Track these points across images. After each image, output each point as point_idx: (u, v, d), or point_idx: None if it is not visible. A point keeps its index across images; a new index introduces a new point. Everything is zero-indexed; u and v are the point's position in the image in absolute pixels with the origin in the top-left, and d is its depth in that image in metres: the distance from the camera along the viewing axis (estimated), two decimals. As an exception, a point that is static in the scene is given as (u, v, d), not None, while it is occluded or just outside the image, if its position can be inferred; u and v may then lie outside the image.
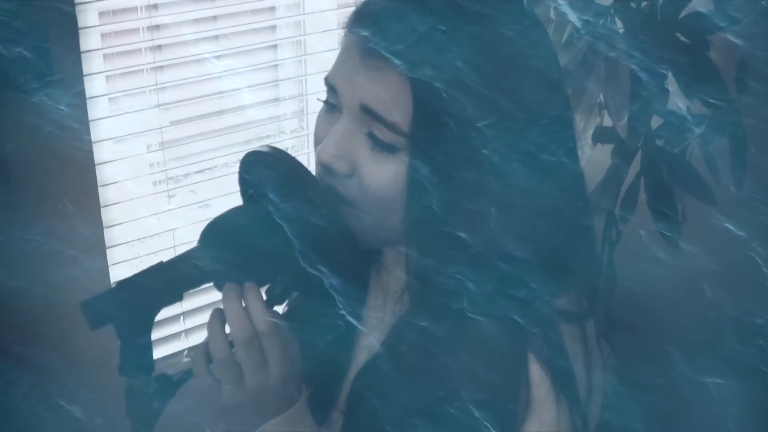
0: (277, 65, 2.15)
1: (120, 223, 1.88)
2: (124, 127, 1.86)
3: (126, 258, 1.93)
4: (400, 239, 0.96)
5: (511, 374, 0.93)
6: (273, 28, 2.10)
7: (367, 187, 0.94)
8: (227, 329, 0.96)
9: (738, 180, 1.75)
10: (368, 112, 0.92)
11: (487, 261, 0.93)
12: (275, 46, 2.13)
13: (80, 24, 1.71)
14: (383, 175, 0.93)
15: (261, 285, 0.98)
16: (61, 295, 1.61)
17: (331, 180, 0.96)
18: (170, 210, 2.01)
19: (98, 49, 1.76)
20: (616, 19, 1.69)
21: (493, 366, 0.93)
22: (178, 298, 0.97)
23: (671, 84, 1.68)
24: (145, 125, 1.90)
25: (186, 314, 1.99)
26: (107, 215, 1.85)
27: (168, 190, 2.02)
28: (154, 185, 2.02)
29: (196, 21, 1.93)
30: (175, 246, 2.00)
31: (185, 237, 2.01)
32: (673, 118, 1.76)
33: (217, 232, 0.98)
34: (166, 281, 0.96)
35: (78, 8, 1.70)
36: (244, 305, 0.95)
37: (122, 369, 0.97)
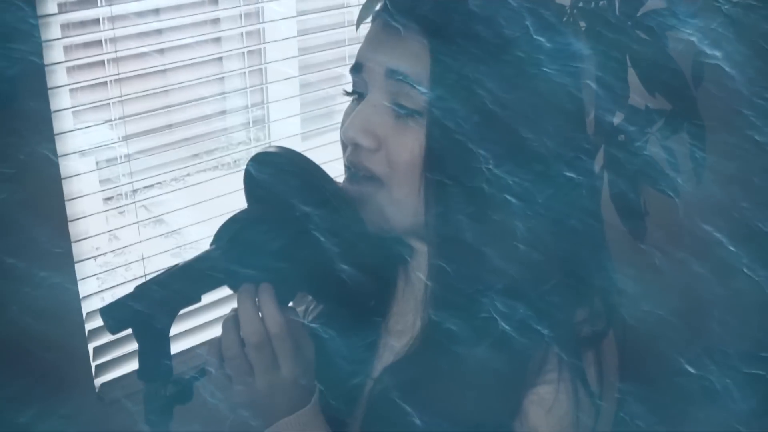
0: (223, 78, 2.15)
1: (87, 237, 1.86)
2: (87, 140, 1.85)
3: (94, 272, 1.90)
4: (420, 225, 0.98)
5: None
6: (218, 40, 2.10)
7: (394, 160, 0.96)
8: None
9: (698, 173, 1.80)
10: (393, 75, 0.95)
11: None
12: (220, 58, 2.14)
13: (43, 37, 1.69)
14: (408, 145, 0.95)
15: (276, 285, 0.99)
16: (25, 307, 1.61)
17: (359, 158, 0.98)
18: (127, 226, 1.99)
19: (62, 62, 1.74)
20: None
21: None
22: (195, 300, 0.98)
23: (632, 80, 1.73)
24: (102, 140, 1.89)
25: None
26: (75, 229, 1.82)
27: (118, 207, 2.01)
28: (105, 202, 2.00)
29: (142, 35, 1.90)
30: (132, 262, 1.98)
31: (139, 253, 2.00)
32: (633, 114, 1.80)
33: (231, 233, 0.99)
34: (183, 284, 0.96)
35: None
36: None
37: (141, 373, 0.97)
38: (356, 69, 1.01)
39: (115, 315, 0.94)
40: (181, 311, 0.98)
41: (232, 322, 0.97)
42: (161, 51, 1.97)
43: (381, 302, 1.08)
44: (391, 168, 0.97)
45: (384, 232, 1.00)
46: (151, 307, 0.94)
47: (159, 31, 1.98)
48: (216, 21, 2.20)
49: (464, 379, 0.96)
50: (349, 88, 1.03)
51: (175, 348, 0.97)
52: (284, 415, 0.97)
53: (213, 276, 0.97)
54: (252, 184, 1.03)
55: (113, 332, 0.95)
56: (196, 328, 2.07)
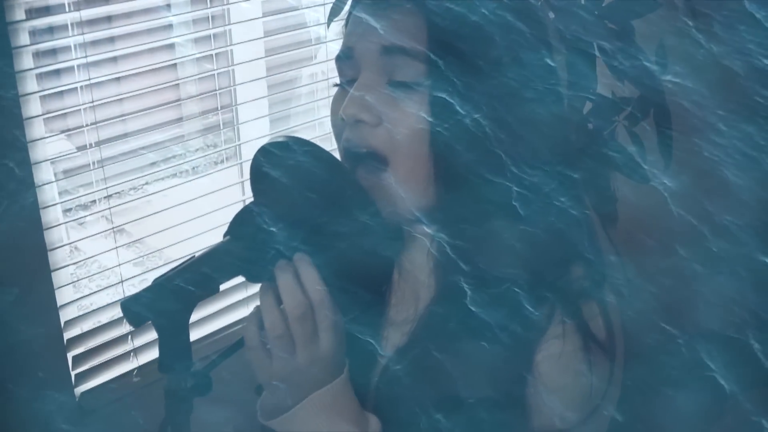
0: (177, 84, 2.14)
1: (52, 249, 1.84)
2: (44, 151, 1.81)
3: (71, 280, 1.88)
4: (431, 206, 1.00)
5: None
6: (172, 46, 2.09)
7: (396, 133, 0.98)
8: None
9: (666, 159, 1.85)
10: (389, 52, 0.98)
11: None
12: (175, 65, 2.12)
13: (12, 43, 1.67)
14: (408, 118, 0.98)
15: None
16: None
17: (360, 134, 1.00)
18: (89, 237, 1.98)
19: (30, 69, 1.72)
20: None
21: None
22: (213, 291, 0.98)
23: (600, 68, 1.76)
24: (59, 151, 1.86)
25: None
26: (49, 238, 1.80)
27: (77, 219, 1.99)
28: (64, 214, 1.97)
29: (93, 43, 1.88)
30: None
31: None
32: (601, 102, 1.84)
33: (245, 223, 0.99)
34: (200, 275, 0.97)
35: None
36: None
37: (161, 365, 0.97)
38: (345, 54, 1.03)
39: (135, 308, 0.94)
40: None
41: (271, 299, 0.97)
42: (114, 59, 1.94)
43: (383, 293, 1.10)
44: (393, 142, 0.99)
45: (395, 215, 1.01)
46: (169, 299, 0.95)
47: (111, 40, 1.97)
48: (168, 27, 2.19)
49: (473, 348, 0.98)
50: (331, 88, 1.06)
51: (193, 335, 0.97)
52: (317, 388, 0.98)
53: (229, 265, 0.98)
54: (260, 175, 1.04)
55: (134, 325, 0.95)
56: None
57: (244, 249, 0.98)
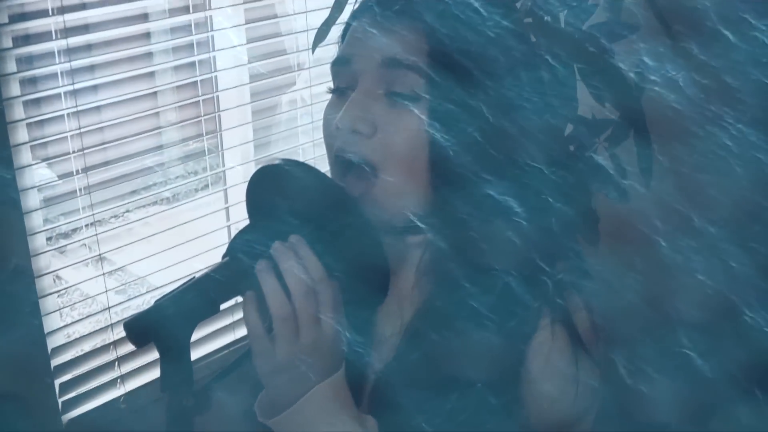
0: (158, 113, 2.15)
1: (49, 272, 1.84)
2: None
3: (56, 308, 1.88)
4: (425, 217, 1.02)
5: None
6: (152, 74, 2.10)
7: (390, 144, 1.00)
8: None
9: (646, 180, 1.88)
10: (389, 64, 1.00)
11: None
12: (155, 93, 2.13)
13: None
14: (404, 128, 1.00)
15: None
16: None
17: (353, 145, 1.01)
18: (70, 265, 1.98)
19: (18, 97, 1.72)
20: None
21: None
22: (214, 311, 0.99)
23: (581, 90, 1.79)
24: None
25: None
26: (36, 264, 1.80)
27: (59, 247, 1.99)
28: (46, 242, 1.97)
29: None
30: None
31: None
32: (582, 124, 1.87)
33: (244, 246, 1.00)
34: (201, 295, 0.98)
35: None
36: None
37: (163, 385, 0.98)
38: (341, 62, 1.05)
39: (138, 329, 0.95)
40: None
41: (273, 281, 0.97)
42: (94, 88, 1.95)
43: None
44: (386, 154, 1.01)
45: (386, 224, 1.03)
46: (171, 319, 0.96)
47: (91, 68, 1.98)
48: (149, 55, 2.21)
49: (465, 345, 1.01)
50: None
51: (194, 355, 0.98)
52: (320, 379, 0.99)
53: (229, 285, 0.99)
54: (255, 197, 1.06)
55: (137, 346, 0.96)
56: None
57: (243, 268, 0.99)
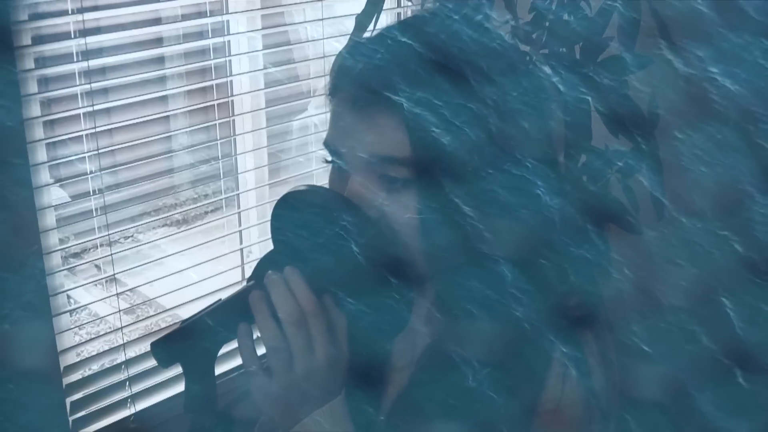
0: (170, 137, 2.17)
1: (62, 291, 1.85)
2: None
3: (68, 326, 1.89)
4: None
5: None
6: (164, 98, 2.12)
7: (397, 225, 1.01)
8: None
9: (659, 211, 1.89)
10: (374, 160, 1.00)
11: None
12: (167, 117, 2.14)
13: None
14: (406, 209, 1.00)
15: None
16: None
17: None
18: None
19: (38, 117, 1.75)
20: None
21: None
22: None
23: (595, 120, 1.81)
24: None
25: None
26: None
27: (69, 267, 2.00)
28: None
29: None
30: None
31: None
32: (594, 156, 1.89)
33: (267, 268, 1.02)
34: (226, 319, 0.99)
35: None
36: None
37: (187, 406, 0.99)
38: (331, 151, 1.06)
39: (165, 350, 0.97)
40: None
41: (265, 311, 0.98)
42: (107, 111, 1.97)
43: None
44: (397, 231, 1.01)
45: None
46: (197, 341, 0.97)
47: (105, 90, 2.00)
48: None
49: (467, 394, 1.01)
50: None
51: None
52: (318, 405, 1.00)
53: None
54: (280, 222, 1.07)
55: (164, 366, 0.98)
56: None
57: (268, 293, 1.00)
